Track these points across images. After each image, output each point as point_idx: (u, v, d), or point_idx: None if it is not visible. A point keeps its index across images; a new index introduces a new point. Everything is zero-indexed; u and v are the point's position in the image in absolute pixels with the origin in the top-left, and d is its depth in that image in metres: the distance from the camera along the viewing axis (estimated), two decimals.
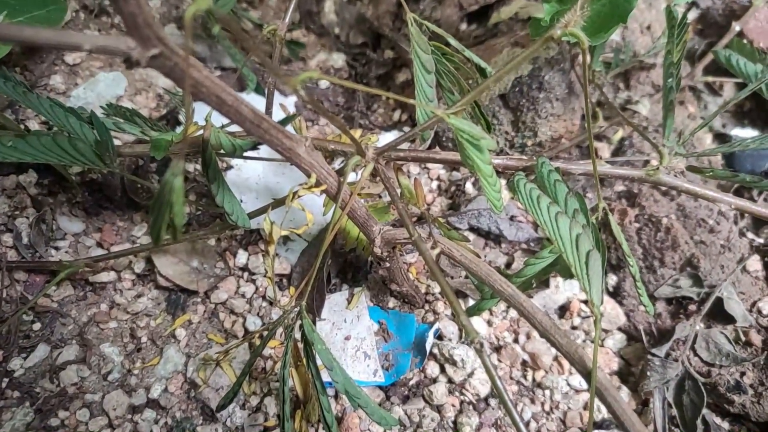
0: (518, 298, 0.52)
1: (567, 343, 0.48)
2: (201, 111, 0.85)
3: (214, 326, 0.83)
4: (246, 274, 0.87)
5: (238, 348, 0.79)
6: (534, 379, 0.80)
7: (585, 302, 0.86)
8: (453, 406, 0.76)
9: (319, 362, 0.60)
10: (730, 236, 0.87)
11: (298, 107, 1.06)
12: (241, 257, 0.88)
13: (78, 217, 0.88)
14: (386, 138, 1.03)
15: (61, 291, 0.82)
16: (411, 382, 0.78)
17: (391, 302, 0.85)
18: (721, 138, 1.05)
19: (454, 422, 0.75)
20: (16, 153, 0.63)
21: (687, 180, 0.70)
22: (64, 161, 0.66)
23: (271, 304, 0.84)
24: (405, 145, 0.68)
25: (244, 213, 0.68)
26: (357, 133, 1.02)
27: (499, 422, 0.75)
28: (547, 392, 0.79)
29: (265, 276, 0.86)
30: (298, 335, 0.63)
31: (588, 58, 0.51)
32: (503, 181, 0.94)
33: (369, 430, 0.74)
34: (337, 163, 0.94)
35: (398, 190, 0.76)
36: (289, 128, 0.55)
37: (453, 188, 0.97)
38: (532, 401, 0.78)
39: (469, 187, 0.95)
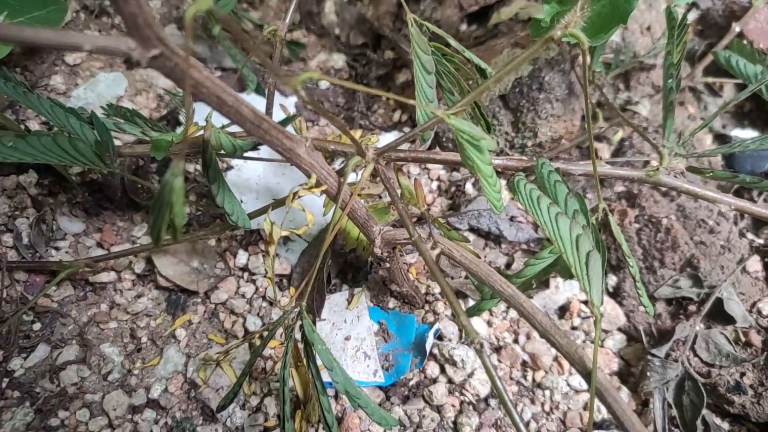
0: (518, 299, 0.52)
1: (567, 343, 0.48)
2: (201, 111, 0.86)
3: (214, 326, 0.83)
4: (246, 275, 0.87)
5: (238, 348, 0.79)
6: (534, 380, 0.80)
7: (585, 303, 0.87)
8: (453, 406, 0.76)
9: (319, 362, 0.60)
10: (730, 237, 0.87)
11: (299, 108, 1.06)
12: (242, 257, 0.88)
13: (78, 217, 0.88)
14: (386, 138, 1.03)
15: (61, 291, 0.82)
16: (411, 383, 0.78)
17: (391, 302, 0.85)
18: (721, 139, 1.05)
19: (454, 422, 0.75)
20: (17, 153, 0.63)
21: (687, 181, 0.70)
22: (64, 161, 0.66)
23: (271, 304, 0.84)
24: (405, 146, 0.68)
25: (244, 213, 0.68)
26: (357, 134, 1.02)
27: (499, 422, 0.75)
28: (547, 392, 0.79)
29: (265, 276, 0.86)
30: (298, 335, 0.63)
31: (588, 58, 0.51)
32: (503, 182, 0.94)
33: (369, 430, 0.74)
34: (338, 164, 0.94)
35: (398, 191, 0.76)
36: (290, 129, 0.55)
37: (453, 189, 0.97)
38: (532, 401, 0.78)
39: (469, 187, 0.95)
